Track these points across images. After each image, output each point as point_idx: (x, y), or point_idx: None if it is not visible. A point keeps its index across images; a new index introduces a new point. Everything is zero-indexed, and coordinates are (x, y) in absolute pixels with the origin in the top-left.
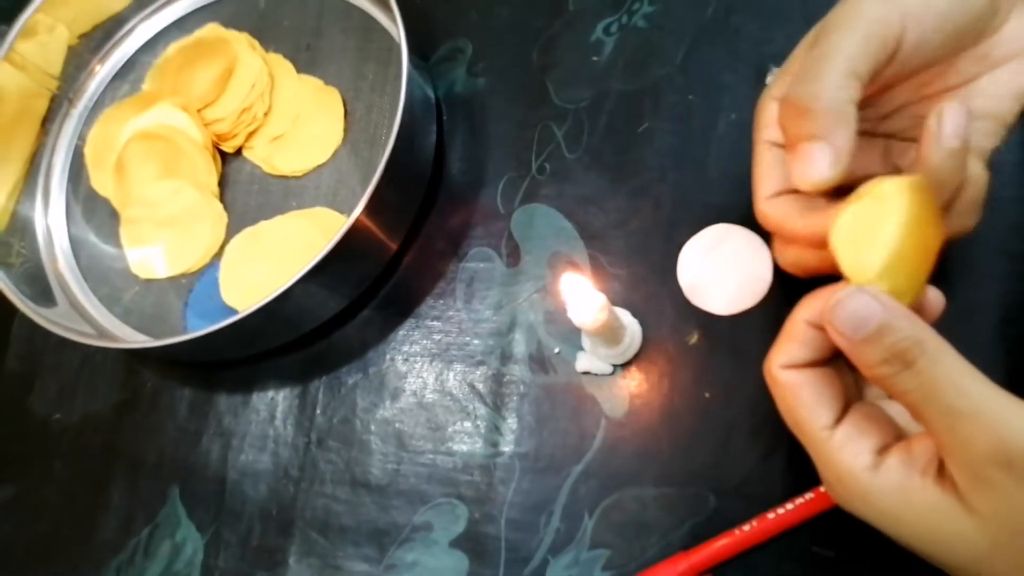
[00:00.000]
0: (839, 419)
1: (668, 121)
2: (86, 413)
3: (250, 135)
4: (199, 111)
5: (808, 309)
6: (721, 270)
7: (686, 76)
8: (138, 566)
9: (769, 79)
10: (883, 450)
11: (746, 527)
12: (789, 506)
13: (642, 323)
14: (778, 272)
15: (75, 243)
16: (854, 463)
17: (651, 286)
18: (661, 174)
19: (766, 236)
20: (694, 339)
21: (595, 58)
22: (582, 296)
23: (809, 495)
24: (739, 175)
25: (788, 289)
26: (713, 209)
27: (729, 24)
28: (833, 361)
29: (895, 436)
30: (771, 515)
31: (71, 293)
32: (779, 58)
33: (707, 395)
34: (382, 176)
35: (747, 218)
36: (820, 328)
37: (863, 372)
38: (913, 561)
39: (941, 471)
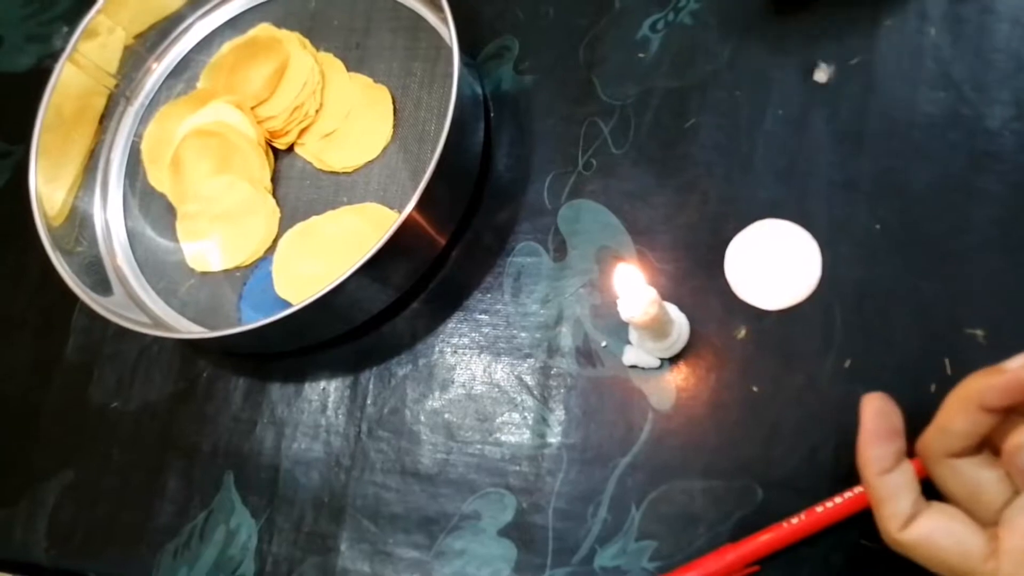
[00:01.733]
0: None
1: (714, 116)
2: (143, 402)
3: (302, 132)
4: (252, 108)
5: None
6: (769, 265)
7: (733, 72)
8: (194, 550)
9: (817, 75)
10: None
11: (794, 520)
12: (838, 500)
13: (689, 318)
14: (826, 267)
15: (132, 237)
16: None
17: (699, 281)
18: (708, 169)
19: (814, 231)
20: (742, 334)
21: (641, 55)
22: (634, 289)
23: (858, 489)
24: (786, 170)
25: (837, 284)
26: (760, 204)
27: (776, 20)
28: None
29: None
30: (819, 508)
31: (128, 285)
32: (826, 54)
33: (755, 389)
34: (433, 173)
35: (794, 213)
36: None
37: None
38: None
39: None
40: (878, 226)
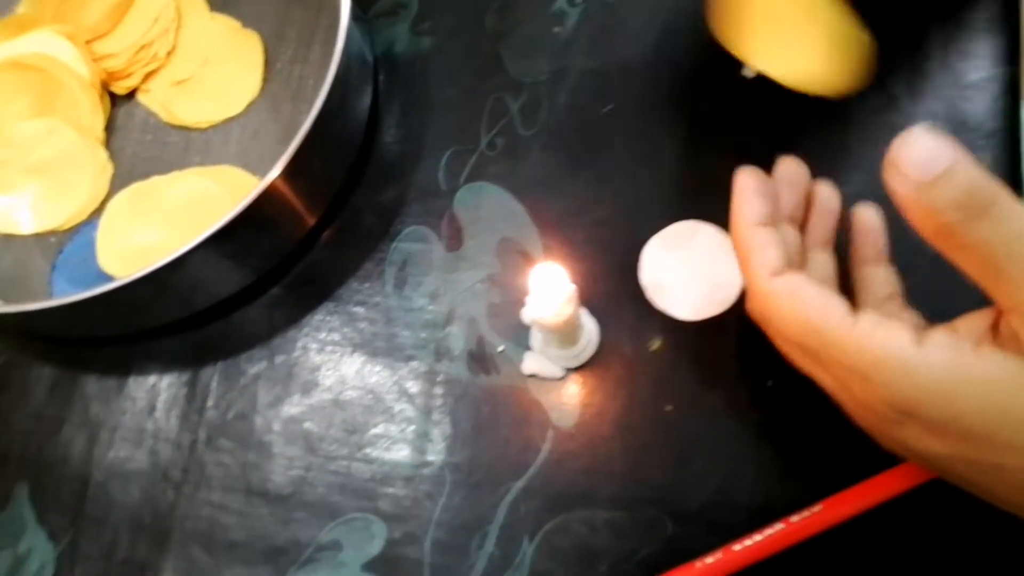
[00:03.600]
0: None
1: (636, 104)
2: None
3: (147, 76)
4: (88, 43)
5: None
6: (687, 271)
7: (657, 57)
8: None
9: (745, 70)
10: (920, 330)
11: (709, 559)
12: (758, 537)
13: (600, 324)
14: None
15: None
16: (892, 341)
17: (611, 284)
18: (627, 161)
19: None
20: (656, 345)
21: (557, 29)
22: (552, 285)
23: (779, 526)
24: (714, 170)
25: None
26: (682, 204)
27: (705, 7)
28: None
29: (924, 326)
30: (737, 547)
31: None
32: None
33: (668, 408)
34: (307, 135)
35: (717, 216)
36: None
37: (924, 226)
38: None
39: (998, 339)
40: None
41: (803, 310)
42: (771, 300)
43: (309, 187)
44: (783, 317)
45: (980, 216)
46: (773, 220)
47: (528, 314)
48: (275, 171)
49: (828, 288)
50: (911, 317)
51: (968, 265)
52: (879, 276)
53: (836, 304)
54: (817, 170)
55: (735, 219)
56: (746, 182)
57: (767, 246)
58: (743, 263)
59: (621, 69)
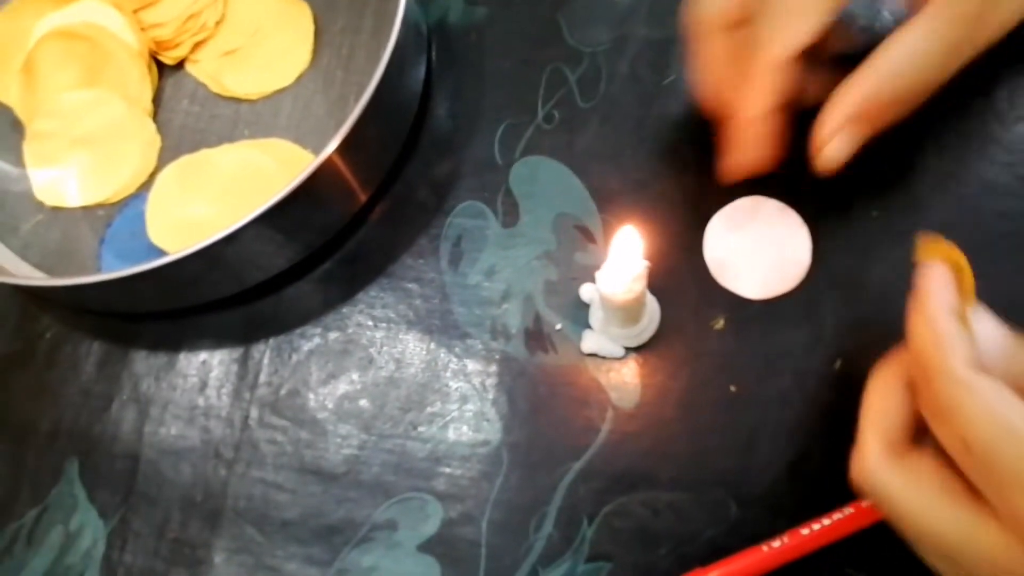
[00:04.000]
0: None
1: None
2: None
3: (196, 46)
4: (135, 12)
5: None
6: (752, 248)
7: None
8: (18, 557)
9: None
10: None
11: (776, 543)
12: (826, 521)
13: (661, 303)
14: (816, 255)
15: None
16: None
17: (673, 261)
18: (690, 134)
19: (805, 213)
20: (720, 324)
21: None
22: (627, 258)
23: (848, 510)
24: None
25: (827, 273)
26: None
27: None
28: None
29: None
30: (805, 531)
31: None
32: None
33: (732, 389)
34: (365, 109)
35: (783, 191)
36: None
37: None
38: None
39: None
40: (875, 212)
41: (1005, 414)
42: (969, 395)
43: (364, 161)
44: (978, 416)
45: None
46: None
47: (599, 283)
48: (332, 144)
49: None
50: None
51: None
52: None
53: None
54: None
55: (927, 302)
56: (940, 270)
57: (965, 339)
58: (931, 346)
59: (682, 39)
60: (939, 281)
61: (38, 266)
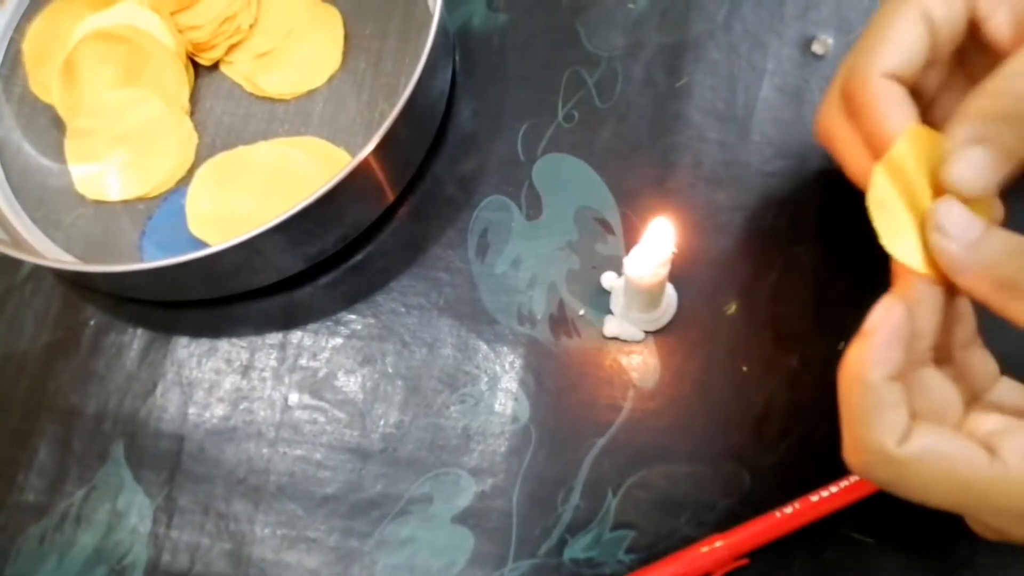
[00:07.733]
0: None
1: (710, 78)
2: (7, 352)
3: (231, 48)
4: (172, 14)
5: None
6: None
7: (728, 34)
8: (67, 535)
9: (815, 47)
10: None
11: (788, 509)
12: (834, 488)
13: (677, 289)
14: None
15: (4, 151)
16: None
17: (687, 249)
18: (701, 132)
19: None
20: (732, 309)
21: (631, 5)
22: (659, 244)
23: (854, 478)
24: (783, 143)
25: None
26: (756, 174)
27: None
28: None
29: None
30: (814, 497)
31: None
32: (825, 26)
33: (744, 369)
34: (402, 111)
35: (790, 188)
36: None
37: (981, 285)
38: (954, 548)
39: None
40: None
41: (947, 471)
42: (905, 470)
43: (396, 160)
44: (926, 485)
45: None
46: (905, 372)
47: (627, 266)
48: (371, 144)
49: (962, 435)
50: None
51: None
52: (975, 358)
53: (978, 453)
54: None
55: (864, 364)
56: (885, 321)
57: (887, 408)
58: (863, 423)
59: (692, 44)
60: (879, 336)
61: (81, 258)
